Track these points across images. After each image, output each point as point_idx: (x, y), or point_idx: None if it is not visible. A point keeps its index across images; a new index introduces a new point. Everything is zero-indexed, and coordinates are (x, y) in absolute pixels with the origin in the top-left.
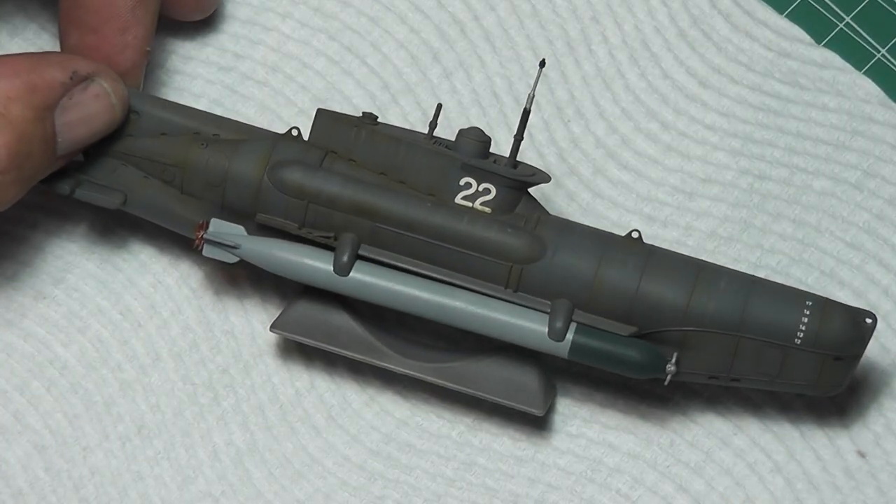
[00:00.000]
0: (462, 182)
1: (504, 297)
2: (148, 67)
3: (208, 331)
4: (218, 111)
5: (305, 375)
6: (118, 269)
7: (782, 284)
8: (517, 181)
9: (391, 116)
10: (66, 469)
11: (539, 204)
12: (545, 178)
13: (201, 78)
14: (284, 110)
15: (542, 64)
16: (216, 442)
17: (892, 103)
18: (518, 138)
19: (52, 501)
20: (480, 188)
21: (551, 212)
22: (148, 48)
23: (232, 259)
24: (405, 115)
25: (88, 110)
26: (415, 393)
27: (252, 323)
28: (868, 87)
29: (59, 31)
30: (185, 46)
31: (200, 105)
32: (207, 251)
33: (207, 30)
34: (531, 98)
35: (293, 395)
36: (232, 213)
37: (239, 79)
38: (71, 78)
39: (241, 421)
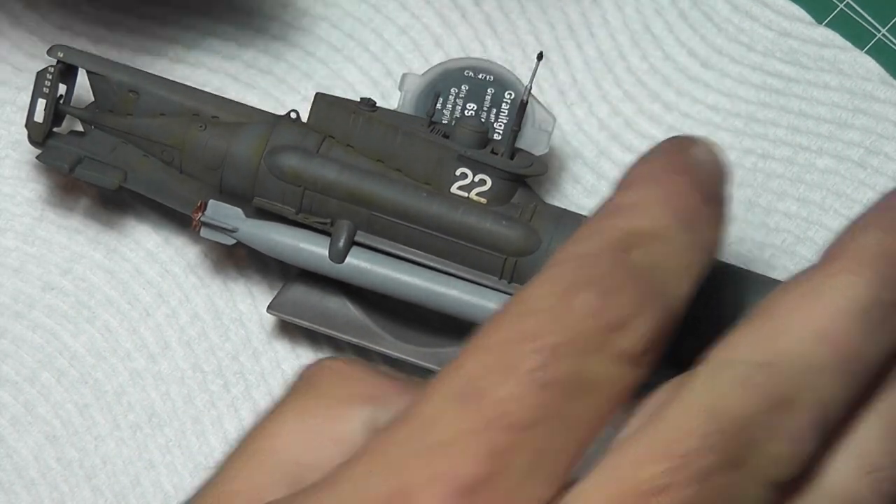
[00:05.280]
0: (458, 172)
1: (498, 287)
2: (151, 57)
3: (217, 319)
4: None
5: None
6: (125, 259)
7: (778, 280)
8: (512, 173)
9: (395, 104)
10: (78, 458)
11: (535, 193)
12: (542, 169)
13: (204, 67)
14: (288, 98)
15: (540, 57)
16: (227, 428)
17: (894, 80)
18: (515, 129)
19: (64, 491)
20: (476, 179)
21: (555, 194)
22: None
23: (229, 241)
24: None
25: None
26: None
27: (260, 310)
28: (869, 64)
29: None
30: (187, 36)
31: None
32: (205, 233)
33: (210, 19)
34: (528, 91)
35: None
36: (230, 196)
37: (242, 67)
38: None
39: (252, 407)
